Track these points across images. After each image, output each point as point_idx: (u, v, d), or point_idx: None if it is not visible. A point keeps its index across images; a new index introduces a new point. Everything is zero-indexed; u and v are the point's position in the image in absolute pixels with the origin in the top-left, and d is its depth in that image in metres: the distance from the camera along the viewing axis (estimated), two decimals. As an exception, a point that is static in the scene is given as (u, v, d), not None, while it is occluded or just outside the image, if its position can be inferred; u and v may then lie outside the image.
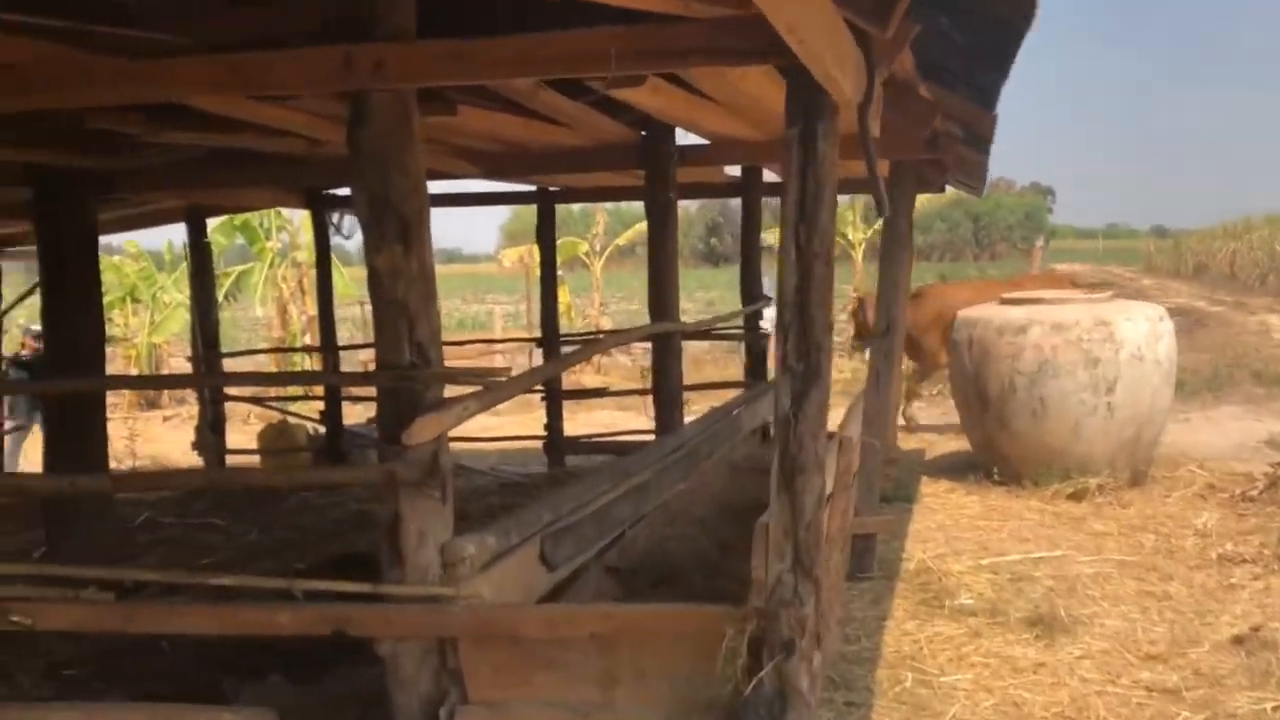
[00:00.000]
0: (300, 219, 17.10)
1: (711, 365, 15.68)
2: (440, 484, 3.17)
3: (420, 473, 3.14)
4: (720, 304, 21.05)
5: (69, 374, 6.50)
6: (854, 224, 17.53)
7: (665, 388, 6.07)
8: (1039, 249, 18.94)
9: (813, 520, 2.80)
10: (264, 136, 5.18)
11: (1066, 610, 5.23)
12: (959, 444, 10.27)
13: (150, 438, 14.08)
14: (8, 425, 10.17)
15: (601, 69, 2.77)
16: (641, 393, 10.35)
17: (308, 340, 17.24)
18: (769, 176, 8.54)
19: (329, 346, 9.72)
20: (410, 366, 3.16)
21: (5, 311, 10.15)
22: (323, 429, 9.84)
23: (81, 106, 3.32)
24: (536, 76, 3.18)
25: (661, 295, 5.96)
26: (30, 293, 9.66)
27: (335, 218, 9.71)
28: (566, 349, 9.71)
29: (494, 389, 3.33)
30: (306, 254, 17.26)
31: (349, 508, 8.62)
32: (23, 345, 10.44)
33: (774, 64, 2.72)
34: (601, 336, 13.39)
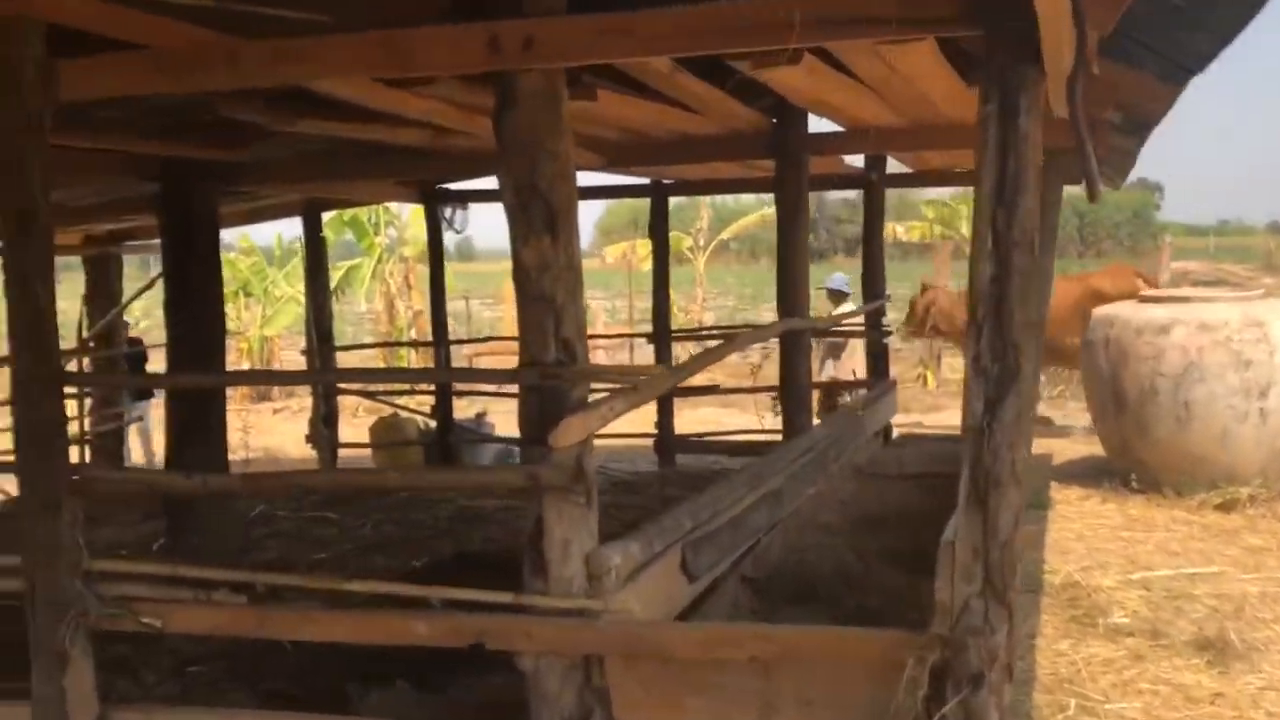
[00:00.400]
0: (408, 214, 17.22)
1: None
2: (586, 489, 2.97)
3: (565, 477, 2.94)
4: (816, 300, 20.55)
5: (192, 367, 6.52)
6: (968, 218, 16.87)
7: (794, 387, 5.80)
8: (1167, 244, 18.01)
9: (1008, 540, 2.52)
10: (392, 128, 5.07)
11: (1238, 634, 4.82)
12: (1088, 448, 9.78)
13: (263, 430, 14.31)
14: (127, 416, 10.37)
15: (775, 40, 2.53)
16: (753, 390, 10.08)
17: (413, 335, 17.36)
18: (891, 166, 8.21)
19: (440, 341, 9.67)
20: (556, 364, 2.96)
21: (125, 305, 10.34)
22: (433, 423, 9.80)
23: (227, 89, 3.20)
24: (703, 51, 2.95)
25: (791, 291, 5.70)
26: (150, 285, 9.82)
27: (448, 212, 9.65)
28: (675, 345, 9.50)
29: (642, 387, 3.12)
30: (412, 249, 17.41)
31: (457, 503, 8.53)
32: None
33: (973, 32, 2.45)
34: (702, 331, 13.16)
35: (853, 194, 10.49)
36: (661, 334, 9.17)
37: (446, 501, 8.68)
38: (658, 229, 9.11)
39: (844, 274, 11.47)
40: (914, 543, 4.91)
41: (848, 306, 10.61)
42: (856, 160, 7.97)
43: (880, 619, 3.68)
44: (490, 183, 9.64)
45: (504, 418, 12.70)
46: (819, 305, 10.52)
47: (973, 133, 2.53)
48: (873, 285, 8.34)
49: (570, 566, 3.00)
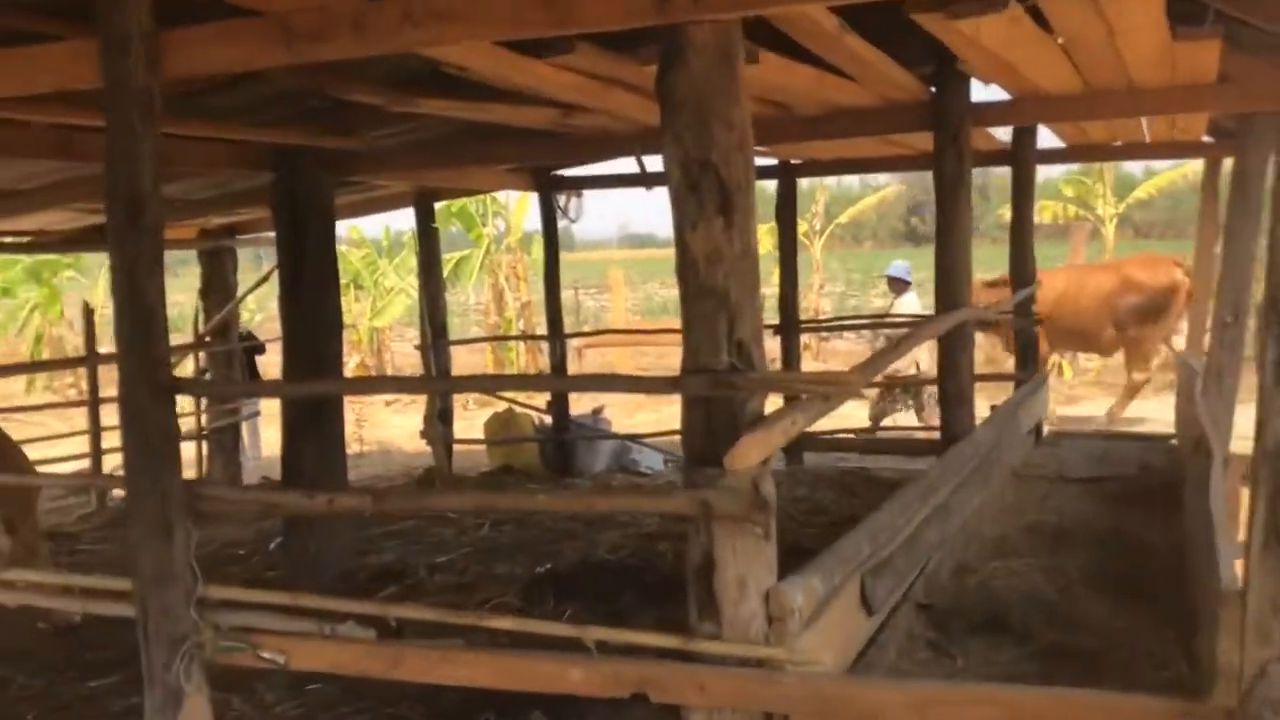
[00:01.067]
0: (515, 204, 16.98)
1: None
2: (765, 518, 2.52)
3: (742, 504, 2.50)
4: (930, 285, 19.68)
5: (308, 362, 6.27)
6: (1104, 197, 15.93)
7: (955, 384, 5.24)
8: None
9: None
10: (515, 108, 4.69)
11: None
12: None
13: (376, 423, 14.24)
14: (244, 411, 10.28)
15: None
16: (891, 384, 9.48)
17: (521, 326, 17.14)
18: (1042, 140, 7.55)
19: (555, 334, 9.32)
20: (730, 370, 2.51)
21: (242, 298, 10.24)
22: (549, 419, 9.47)
23: (350, 58, 2.83)
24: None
25: (952, 279, 5.14)
26: (266, 278, 9.70)
27: (562, 200, 9.29)
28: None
29: (831, 394, 2.65)
30: (513, 237, 17.17)
31: (578, 504, 8.19)
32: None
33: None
34: (818, 320, 12.57)
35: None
36: (789, 325, 8.65)
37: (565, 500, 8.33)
38: (785, 213, 8.59)
39: (905, 261, 10.92)
40: (1109, 563, 4.34)
41: (910, 296, 10.13)
42: (1000, 134, 7.35)
43: (1097, 663, 3.15)
44: (604, 168, 9.26)
45: (620, 410, 12.38)
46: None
47: (1167, 97, 2.00)
48: (1021, 270, 7.70)
49: (746, 607, 2.56)
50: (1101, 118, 5.28)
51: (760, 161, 8.39)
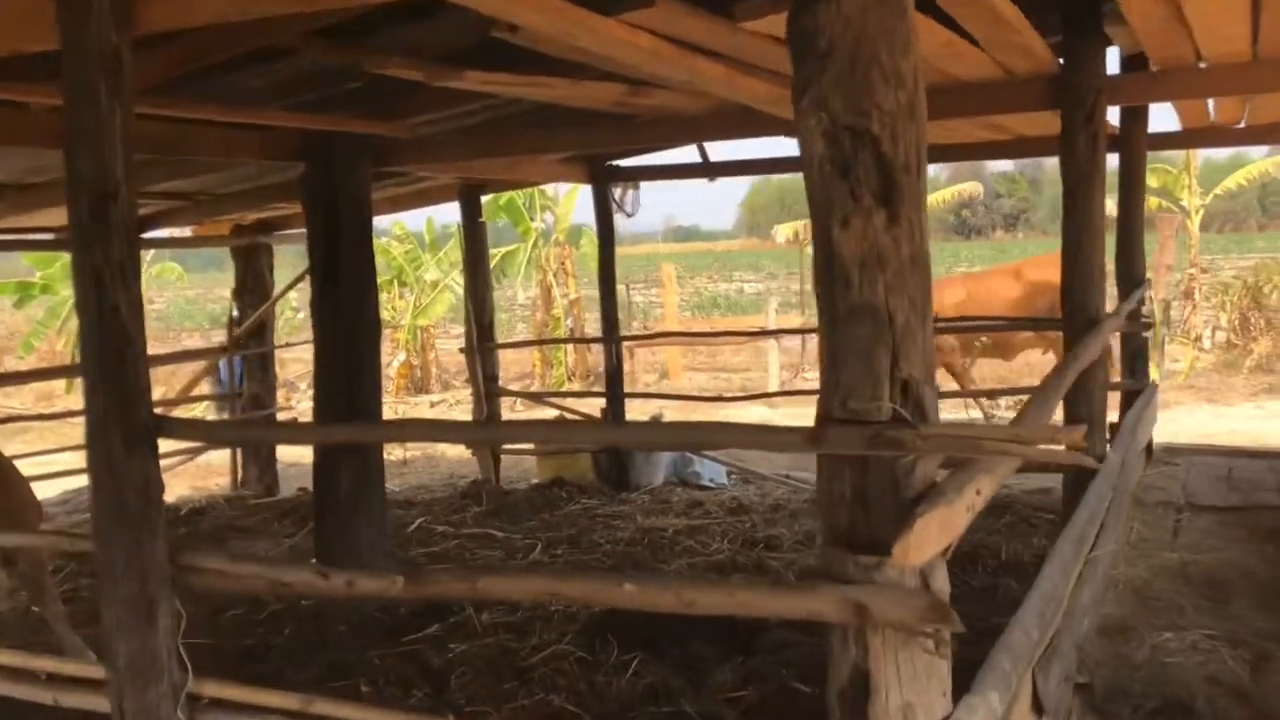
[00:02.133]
0: (564, 197, 16.34)
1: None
2: (942, 627, 1.81)
3: (911, 609, 1.80)
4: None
5: (342, 370, 5.67)
6: (1189, 188, 14.93)
7: (1086, 403, 4.47)
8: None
9: None
10: (575, 84, 4.01)
11: None
12: None
13: (419, 426, 13.69)
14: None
15: None
16: (987, 394, 8.71)
17: (570, 323, 16.50)
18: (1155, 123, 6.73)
19: (611, 336, 8.64)
20: (895, 422, 1.81)
21: (278, 298, 9.68)
22: (603, 428, 8.80)
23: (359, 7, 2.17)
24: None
25: (1085, 281, 4.38)
26: (302, 278, 9.13)
27: (618, 193, 8.62)
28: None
29: (1016, 449, 1.92)
30: (562, 232, 16.53)
31: (636, 522, 7.50)
32: None
33: None
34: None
35: (1010, 165, 9.13)
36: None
37: (622, 518, 7.67)
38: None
39: None
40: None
41: None
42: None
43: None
44: (660, 158, 8.59)
45: (677, 415, 11.68)
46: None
47: None
48: (1130, 269, 6.88)
49: (912, 743, 1.85)
50: (1271, 89, 4.48)
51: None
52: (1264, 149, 14.15)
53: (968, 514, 1.84)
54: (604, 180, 8.36)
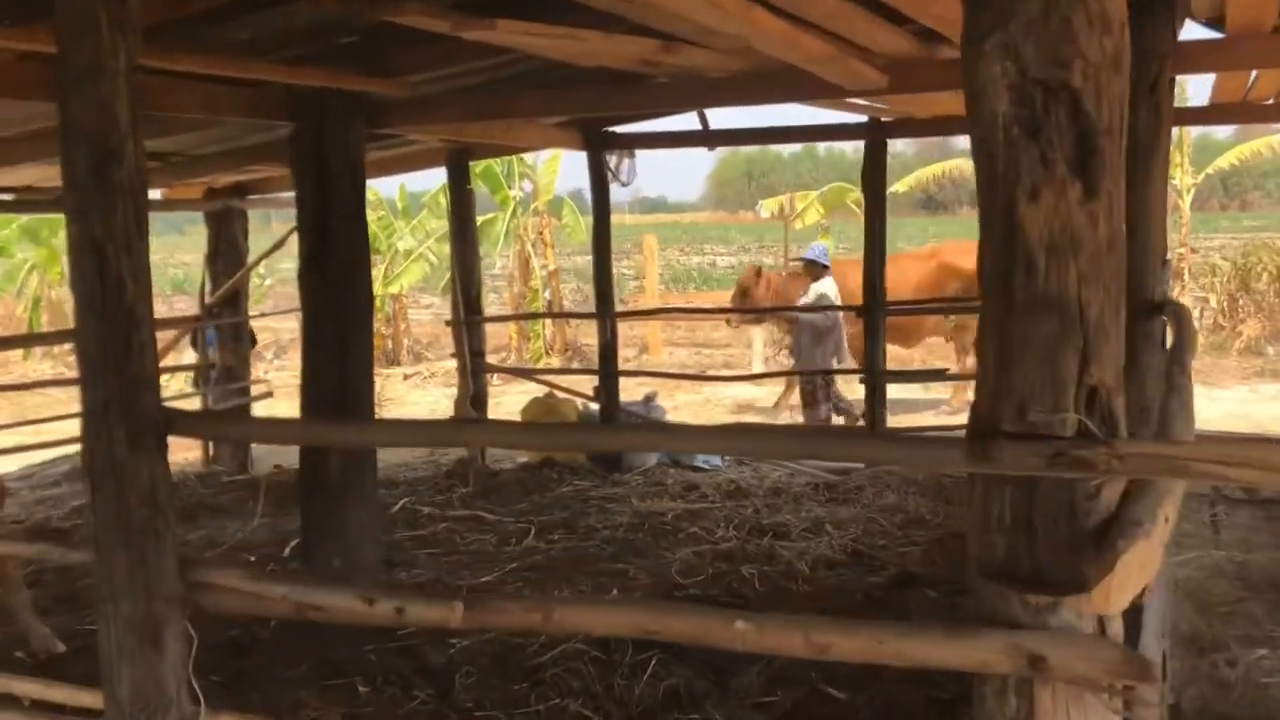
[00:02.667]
0: (543, 165, 15.90)
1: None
2: (1137, 683, 1.52)
3: (1098, 664, 1.50)
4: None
5: (334, 349, 5.31)
6: (1182, 166, 14.78)
7: (1137, 391, 4.21)
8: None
9: None
10: (610, 37, 3.65)
11: None
12: None
13: (392, 397, 13.26)
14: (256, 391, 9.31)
15: None
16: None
17: (548, 296, 16.12)
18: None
19: (605, 313, 8.30)
20: (1082, 437, 1.51)
21: (254, 265, 9.24)
22: (595, 406, 8.48)
23: None
24: None
25: (1145, 262, 4.11)
26: (281, 243, 8.70)
27: (613, 161, 8.25)
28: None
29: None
30: (542, 201, 16.09)
31: (632, 505, 7.21)
32: None
33: None
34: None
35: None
36: (874, 308, 7.61)
37: (619, 502, 7.37)
38: (872, 178, 7.52)
39: (824, 242, 10.55)
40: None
41: (827, 282, 9.54)
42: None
43: None
44: (657, 125, 8.24)
45: (663, 394, 11.38)
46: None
47: None
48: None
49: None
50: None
51: (842, 118, 7.35)
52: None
53: (1163, 546, 1.55)
54: (599, 147, 8.01)
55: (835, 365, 9.39)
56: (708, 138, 7.97)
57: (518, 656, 4.53)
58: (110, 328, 1.88)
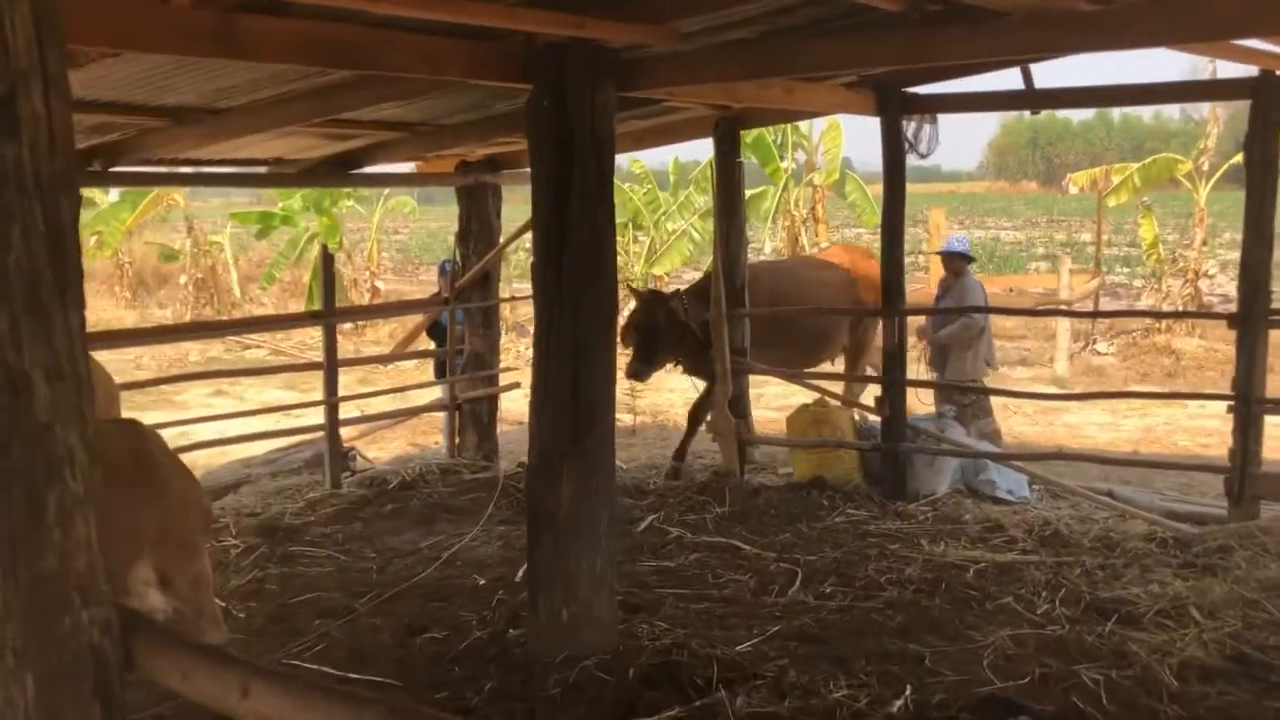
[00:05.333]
0: (819, 135, 14.58)
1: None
2: None
3: None
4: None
5: (569, 348, 4.37)
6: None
7: None
8: None
9: None
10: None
11: None
12: None
13: (651, 387, 12.43)
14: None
15: None
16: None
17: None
18: None
19: (893, 310, 6.98)
20: None
21: (504, 246, 8.56)
22: (875, 419, 7.21)
23: None
24: None
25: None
26: (528, 228, 7.97)
27: (911, 129, 6.92)
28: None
29: None
30: (823, 176, 14.77)
31: (922, 549, 5.93)
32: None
33: None
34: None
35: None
36: (1253, 316, 5.88)
37: (902, 541, 6.09)
38: (1260, 141, 5.75)
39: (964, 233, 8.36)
40: None
41: (972, 278, 7.80)
42: None
43: None
44: (966, 85, 6.83)
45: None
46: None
47: None
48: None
49: None
50: None
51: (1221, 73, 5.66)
52: None
53: None
54: (896, 111, 6.70)
55: (988, 372, 7.81)
56: (1030, 99, 6.49)
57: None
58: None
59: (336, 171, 7.64)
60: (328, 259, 7.66)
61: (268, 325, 11.60)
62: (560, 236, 4.31)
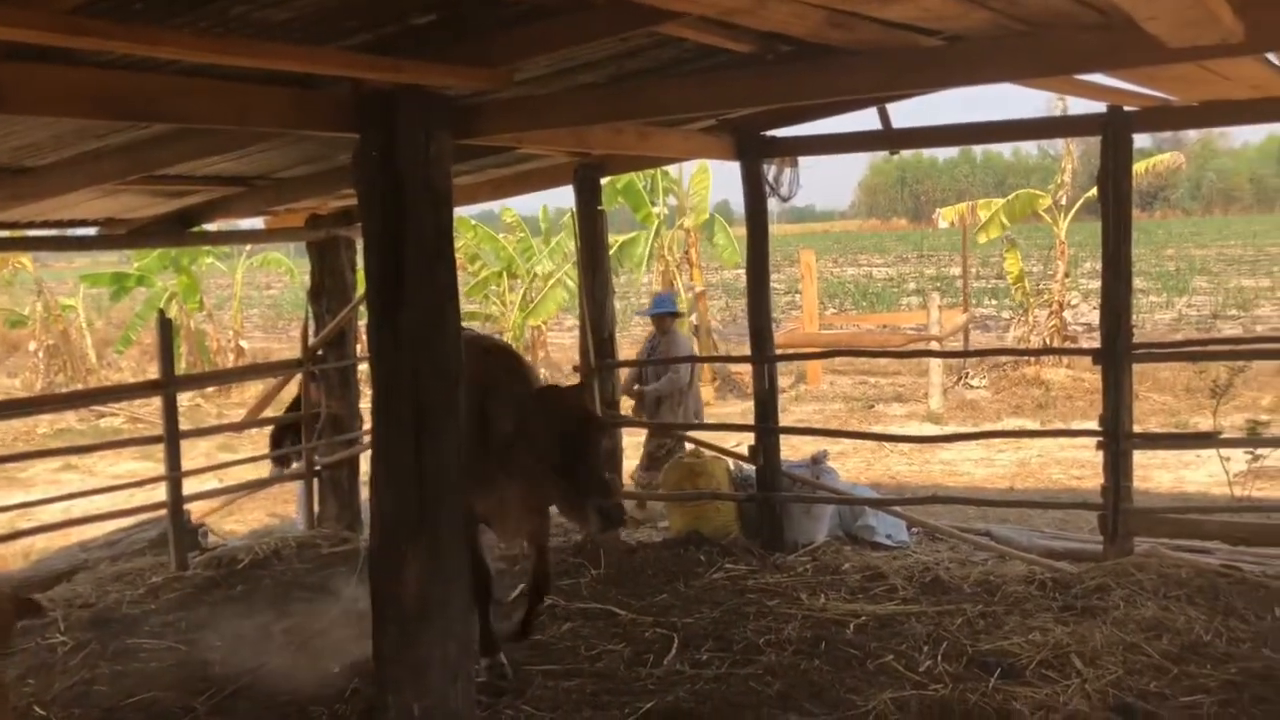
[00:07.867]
0: (690, 178, 14.53)
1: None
2: None
3: None
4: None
5: (408, 424, 4.00)
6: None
7: None
8: None
9: None
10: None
11: None
12: None
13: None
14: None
15: None
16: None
17: (694, 320, 14.71)
18: None
19: (763, 355, 6.80)
20: None
21: (359, 302, 8.13)
22: (750, 468, 7.00)
23: None
24: None
25: None
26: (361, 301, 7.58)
27: (772, 172, 6.81)
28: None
29: None
30: (693, 220, 14.71)
31: (801, 603, 5.71)
32: None
33: None
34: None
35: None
36: (1116, 351, 5.87)
37: (781, 596, 5.86)
38: (1115, 177, 5.75)
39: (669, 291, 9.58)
40: None
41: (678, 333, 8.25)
42: None
43: None
44: (823, 127, 6.77)
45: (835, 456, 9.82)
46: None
47: None
48: None
49: None
50: None
51: (1083, 105, 5.68)
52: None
53: None
54: (756, 155, 6.56)
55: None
56: (891, 139, 6.43)
57: None
58: None
59: (173, 230, 7.12)
60: (165, 324, 7.12)
61: (102, 397, 10.85)
62: (396, 295, 3.96)
